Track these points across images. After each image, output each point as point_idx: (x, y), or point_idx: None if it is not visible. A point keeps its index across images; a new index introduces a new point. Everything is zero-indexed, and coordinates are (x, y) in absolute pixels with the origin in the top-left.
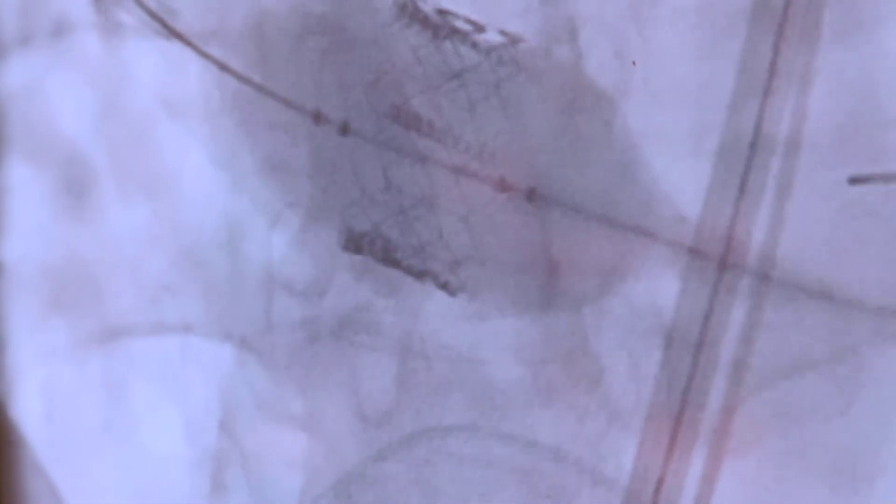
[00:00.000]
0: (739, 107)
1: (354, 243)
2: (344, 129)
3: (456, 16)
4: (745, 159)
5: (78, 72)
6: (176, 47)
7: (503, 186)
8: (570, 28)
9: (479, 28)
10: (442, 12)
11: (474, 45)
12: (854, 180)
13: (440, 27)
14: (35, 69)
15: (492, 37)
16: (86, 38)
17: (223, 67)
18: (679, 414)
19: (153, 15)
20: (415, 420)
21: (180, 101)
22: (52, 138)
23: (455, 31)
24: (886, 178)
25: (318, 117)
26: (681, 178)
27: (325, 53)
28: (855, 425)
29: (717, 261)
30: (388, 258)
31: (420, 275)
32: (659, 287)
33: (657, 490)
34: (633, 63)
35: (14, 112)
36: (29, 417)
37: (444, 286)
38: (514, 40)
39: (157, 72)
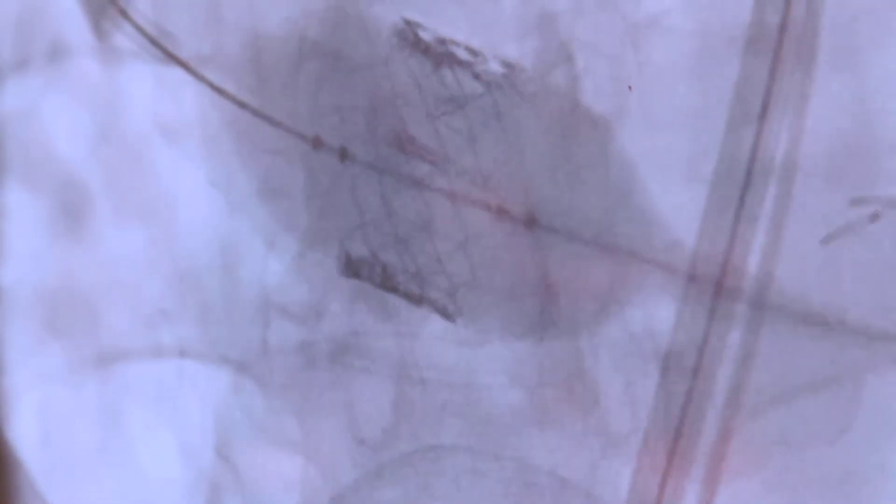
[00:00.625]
0: (735, 132)
1: (353, 269)
2: (343, 155)
3: (456, 44)
4: (741, 184)
5: (74, 95)
6: (173, 71)
7: (502, 213)
8: (566, 53)
9: (480, 57)
10: (442, 41)
11: (475, 74)
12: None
13: (441, 56)
14: (31, 93)
15: (492, 66)
16: (82, 62)
17: (220, 92)
18: (675, 439)
19: (151, 39)
20: (411, 443)
21: (177, 126)
22: (49, 162)
23: (455, 60)
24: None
25: (317, 143)
26: (677, 202)
27: (323, 79)
28: (851, 450)
29: (714, 285)
30: (387, 284)
31: (419, 301)
32: (655, 312)
33: None
34: (630, 88)
35: (10, 136)
36: (25, 440)
37: (442, 312)
38: (513, 69)
39: (154, 96)
